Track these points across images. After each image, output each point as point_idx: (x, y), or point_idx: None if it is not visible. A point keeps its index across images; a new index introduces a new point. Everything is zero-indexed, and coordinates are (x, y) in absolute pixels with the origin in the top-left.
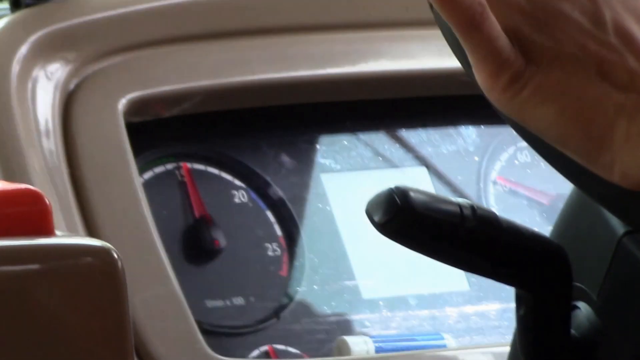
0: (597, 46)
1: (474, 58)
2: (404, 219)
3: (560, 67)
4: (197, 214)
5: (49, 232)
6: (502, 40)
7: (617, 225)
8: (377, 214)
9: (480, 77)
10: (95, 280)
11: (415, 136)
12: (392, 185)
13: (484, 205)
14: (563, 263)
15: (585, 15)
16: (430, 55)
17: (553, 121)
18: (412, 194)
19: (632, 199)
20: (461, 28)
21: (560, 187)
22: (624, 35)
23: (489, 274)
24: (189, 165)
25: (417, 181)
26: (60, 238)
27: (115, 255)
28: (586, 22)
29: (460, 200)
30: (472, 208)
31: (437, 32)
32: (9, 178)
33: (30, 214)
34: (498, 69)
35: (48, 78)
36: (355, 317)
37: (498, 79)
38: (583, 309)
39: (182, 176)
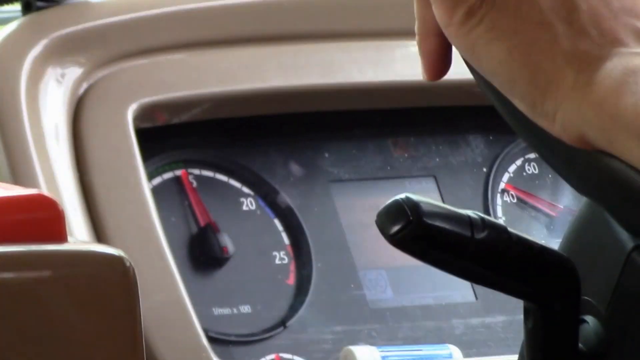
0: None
1: None
2: (414, 230)
3: (516, 6)
4: (203, 221)
5: (61, 238)
6: None
7: (627, 239)
8: (387, 224)
9: (438, 12)
10: (108, 289)
11: (423, 146)
12: (402, 195)
13: (492, 216)
14: (572, 276)
15: None
16: None
17: (502, 60)
18: (422, 204)
19: (572, 156)
20: None
21: (569, 200)
22: (591, 4)
23: (497, 286)
24: (193, 171)
25: (425, 191)
26: (73, 245)
27: (128, 263)
28: None
29: (469, 212)
30: (482, 220)
31: None
32: (17, 182)
33: (42, 220)
34: (455, 3)
35: (58, 82)
36: (361, 327)
37: (454, 13)
38: (591, 323)
39: (189, 183)
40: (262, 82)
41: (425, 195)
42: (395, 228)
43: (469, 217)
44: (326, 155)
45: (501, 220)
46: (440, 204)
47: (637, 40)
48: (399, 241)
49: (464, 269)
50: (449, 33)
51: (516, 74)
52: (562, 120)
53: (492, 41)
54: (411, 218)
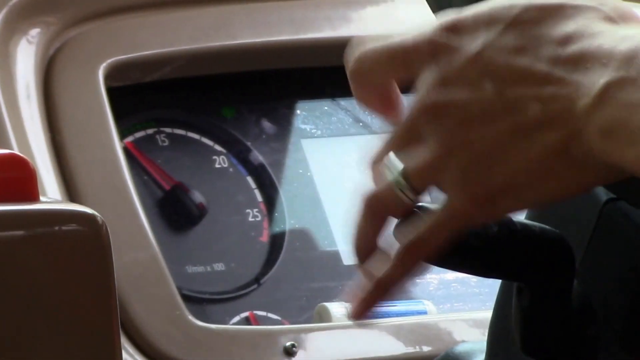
0: (502, 124)
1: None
2: None
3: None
4: (175, 179)
5: (33, 198)
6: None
7: (601, 193)
8: (407, 236)
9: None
10: (80, 247)
11: None
12: (418, 205)
13: None
14: (567, 255)
15: (474, 106)
16: (412, 21)
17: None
18: None
19: None
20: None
21: None
22: (514, 81)
23: (502, 276)
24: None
25: None
26: (46, 204)
27: (100, 221)
28: (477, 111)
29: None
30: None
31: None
32: None
33: (14, 180)
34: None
35: (29, 42)
36: (336, 284)
37: (471, 223)
38: None
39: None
40: (233, 39)
41: None
42: None
43: None
44: (298, 112)
45: None
46: None
47: (558, 65)
48: None
49: (480, 267)
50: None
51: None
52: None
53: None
54: None
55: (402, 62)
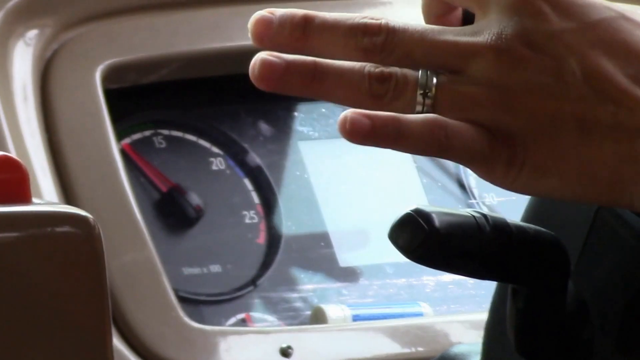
0: (571, 104)
1: (463, 164)
2: (432, 242)
3: (544, 138)
4: (173, 181)
5: (26, 199)
6: (478, 141)
7: None
8: (404, 239)
9: (478, 174)
10: (73, 248)
11: None
12: (412, 208)
13: (461, 173)
14: (562, 257)
15: (549, 75)
16: (411, 21)
17: (560, 187)
18: (434, 215)
19: None
20: (435, 155)
21: None
22: (596, 78)
23: (497, 278)
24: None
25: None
26: (38, 206)
27: (93, 223)
28: (551, 82)
29: (470, 211)
30: (485, 217)
31: None
32: None
33: (6, 181)
34: (488, 165)
35: (26, 44)
36: (332, 285)
37: (494, 172)
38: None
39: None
40: (230, 41)
41: (395, 153)
42: (415, 244)
43: (473, 217)
44: (295, 114)
45: (471, 177)
46: (443, 208)
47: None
48: (418, 255)
49: (476, 270)
50: (497, 185)
51: (578, 190)
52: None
53: (541, 178)
54: (428, 231)
55: None
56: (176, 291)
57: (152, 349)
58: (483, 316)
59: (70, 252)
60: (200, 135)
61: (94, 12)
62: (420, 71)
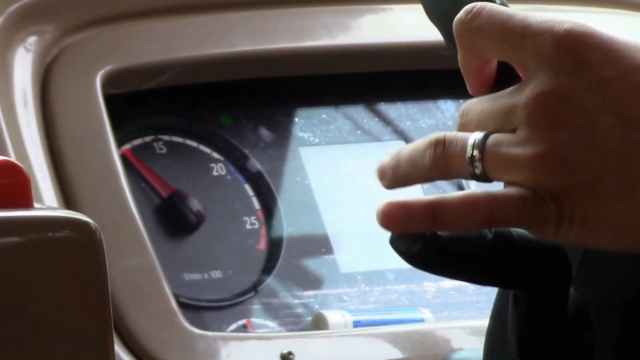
0: (612, 157)
1: (516, 224)
2: (432, 248)
3: (589, 193)
4: (174, 187)
5: (27, 204)
6: (524, 206)
7: None
8: (405, 245)
9: (531, 233)
10: (74, 253)
11: (394, 110)
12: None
13: (464, 186)
14: (564, 263)
15: (587, 131)
16: (409, 28)
17: (610, 239)
18: None
19: None
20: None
21: None
22: (636, 128)
23: (498, 284)
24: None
25: None
26: (39, 211)
27: (94, 228)
28: (590, 137)
29: None
30: None
31: (417, 6)
32: None
33: (8, 186)
34: (539, 225)
35: (26, 49)
36: (333, 291)
37: (546, 230)
38: None
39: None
40: (231, 47)
41: None
42: (416, 249)
43: None
44: (296, 119)
45: (472, 184)
46: None
47: None
48: (419, 260)
49: (478, 276)
50: (552, 240)
51: (631, 241)
52: None
53: (592, 232)
54: (429, 236)
55: (515, 44)
56: (177, 297)
57: (153, 355)
58: (484, 322)
59: (71, 257)
60: (201, 140)
61: (94, 18)
62: (470, 135)
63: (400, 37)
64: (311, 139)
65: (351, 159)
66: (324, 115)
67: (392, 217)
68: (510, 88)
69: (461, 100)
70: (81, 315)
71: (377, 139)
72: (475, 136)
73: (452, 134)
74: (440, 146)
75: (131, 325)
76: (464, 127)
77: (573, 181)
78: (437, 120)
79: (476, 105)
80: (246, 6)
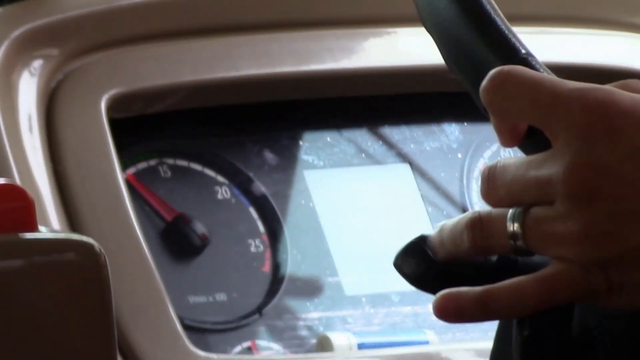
0: None
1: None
2: (436, 270)
3: (634, 260)
4: (178, 210)
5: (32, 227)
6: (573, 282)
7: None
8: (409, 267)
9: (584, 303)
10: (79, 276)
11: (398, 133)
12: (418, 237)
13: (467, 202)
14: None
15: (625, 201)
16: (413, 51)
17: None
18: None
19: None
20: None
21: None
22: None
23: None
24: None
25: (400, 178)
26: (44, 234)
27: (99, 251)
28: (629, 207)
29: None
30: None
31: (421, 29)
32: None
33: (13, 209)
34: (590, 296)
35: (31, 74)
36: (337, 314)
37: (597, 300)
38: None
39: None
40: (236, 71)
41: (401, 182)
42: (420, 271)
43: None
44: (300, 143)
45: (476, 206)
46: None
47: None
48: (423, 282)
49: None
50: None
51: None
52: None
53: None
54: (433, 258)
55: (545, 113)
56: (182, 319)
57: None
58: (488, 344)
59: (76, 279)
60: (206, 164)
61: (98, 42)
62: (509, 212)
63: (405, 60)
64: (316, 162)
65: (356, 182)
66: (328, 139)
67: (444, 310)
68: (540, 155)
69: (465, 123)
70: (86, 337)
71: (381, 162)
72: (513, 212)
73: (487, 212)
74: (478, 228)
75: (136, 348)
76: (490, 194)
77: (619, 251)
78: (441, 143)
79: (503, 172)
80: (251, 30)
